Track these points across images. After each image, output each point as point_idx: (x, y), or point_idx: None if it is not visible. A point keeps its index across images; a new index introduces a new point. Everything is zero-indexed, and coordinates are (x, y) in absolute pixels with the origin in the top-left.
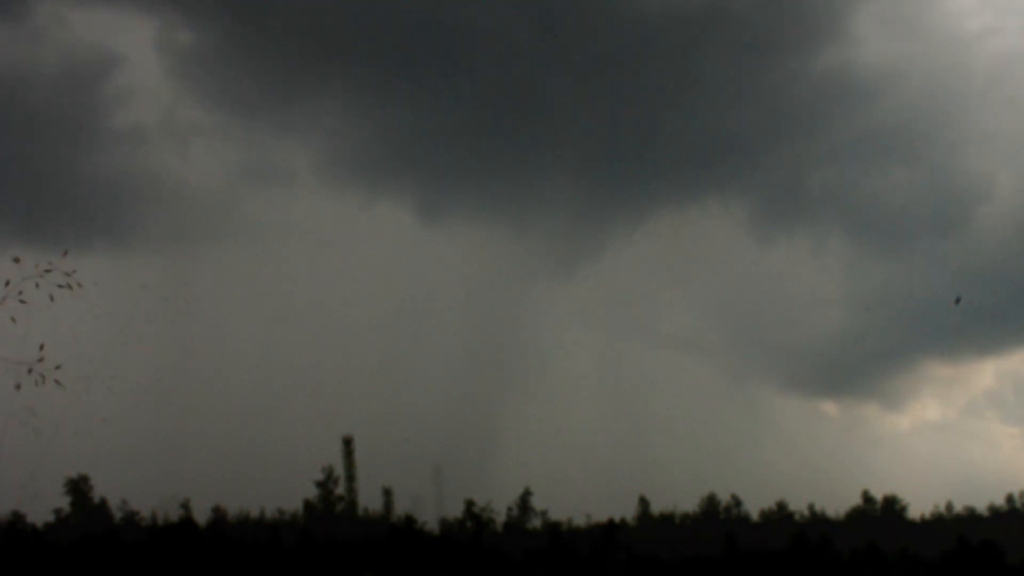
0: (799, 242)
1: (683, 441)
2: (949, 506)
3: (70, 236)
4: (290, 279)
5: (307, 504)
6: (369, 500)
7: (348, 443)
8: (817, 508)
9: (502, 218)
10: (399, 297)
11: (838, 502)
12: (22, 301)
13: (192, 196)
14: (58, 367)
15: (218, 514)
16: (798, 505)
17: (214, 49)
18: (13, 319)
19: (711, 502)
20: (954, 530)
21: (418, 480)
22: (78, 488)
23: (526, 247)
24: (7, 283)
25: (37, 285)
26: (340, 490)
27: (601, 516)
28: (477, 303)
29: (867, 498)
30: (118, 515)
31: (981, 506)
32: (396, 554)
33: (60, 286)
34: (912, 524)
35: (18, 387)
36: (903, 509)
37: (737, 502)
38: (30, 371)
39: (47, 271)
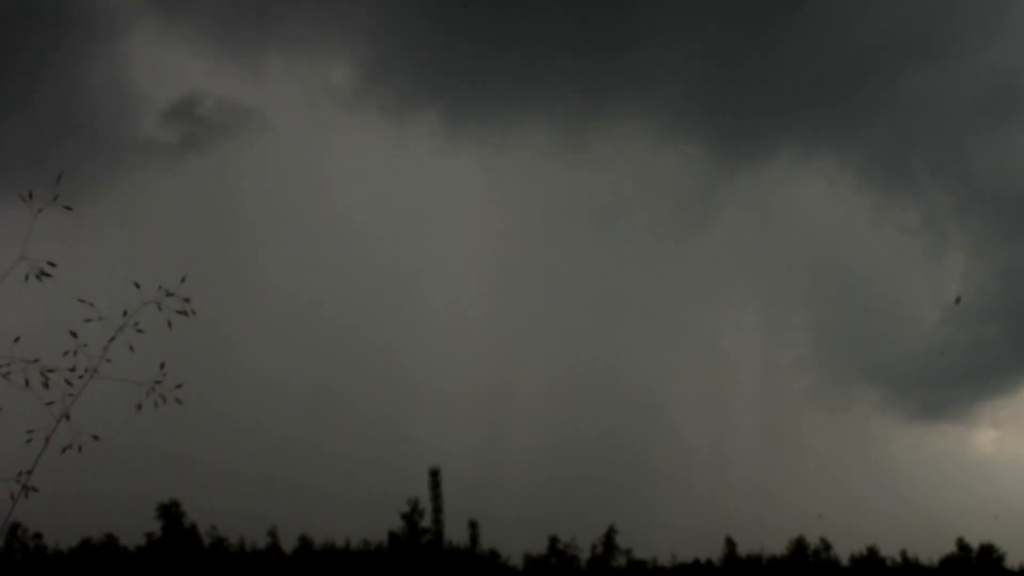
0: (909, 216)
1: (774, 473)
2: None
3: None
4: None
5: (392, 536)
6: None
7: (435, 474)
8: (910, 555)
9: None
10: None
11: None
12: (139, 331)
13: None
14: (179, 386)
15: (304, 543)
16: (890, 550)
17: None
18: (132, 347)
19: (799, 545)
20: None
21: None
22: (169, 512)
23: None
24: (125, 312)
25: (159, 308)
26: (425, 522)
27: (687, 556)
28: (553, 275)
29: (962, 545)
30: (207, 540)
31: None
32: None
33: (178, 312)
34: (1010, 574)
35: (139, 407)
36: (1000, 559)
37: (826, 546)
38: (150, 392)
39: (169, 295)
